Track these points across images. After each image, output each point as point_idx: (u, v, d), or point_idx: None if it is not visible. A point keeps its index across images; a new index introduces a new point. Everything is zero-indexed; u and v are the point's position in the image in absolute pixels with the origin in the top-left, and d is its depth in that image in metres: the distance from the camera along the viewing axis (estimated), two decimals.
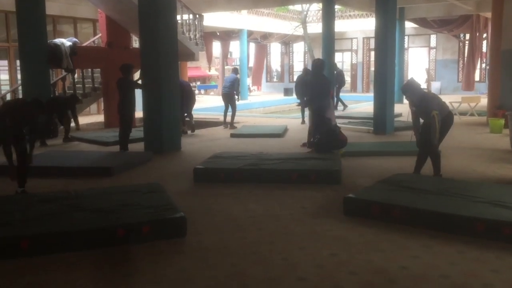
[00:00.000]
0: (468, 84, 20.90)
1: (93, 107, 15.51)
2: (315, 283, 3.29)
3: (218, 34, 24.40)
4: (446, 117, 6.01)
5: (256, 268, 3.54)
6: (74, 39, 11.99)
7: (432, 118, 5.78)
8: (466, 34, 22.97)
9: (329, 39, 14.57)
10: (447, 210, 4.33)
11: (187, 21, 13.39)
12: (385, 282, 3.27)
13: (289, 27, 23.98)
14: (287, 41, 27.93)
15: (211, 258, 3.75)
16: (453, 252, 3.78)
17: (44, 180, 5.87)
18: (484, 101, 14.09)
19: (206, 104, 19.45)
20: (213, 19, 19.49)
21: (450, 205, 4.45)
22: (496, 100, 11.36)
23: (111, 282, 3.35)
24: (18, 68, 11.99)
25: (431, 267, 3.51)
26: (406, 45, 23.23)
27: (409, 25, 22.18)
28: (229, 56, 28.23)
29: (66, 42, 11.31)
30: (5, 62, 14.15)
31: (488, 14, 14.63)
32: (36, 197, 5.01)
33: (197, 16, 13.69)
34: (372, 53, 18.60)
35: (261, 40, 26.24)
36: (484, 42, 21.87)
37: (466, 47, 22.79)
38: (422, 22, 21.79)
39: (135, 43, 13.88)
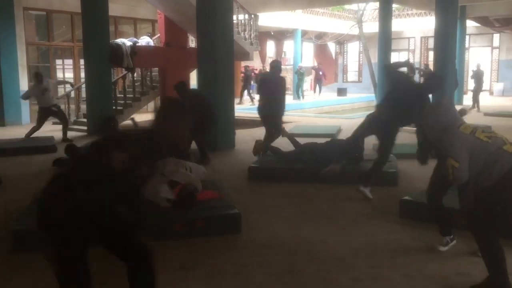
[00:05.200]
0: None
1: (151, 105, 15.98)
2: (370, 284, 3.27)
3: (272, 33, 24.50)
4: None
5: (308, 266, 3.56)
6: (134, 39, 12.42)
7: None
8: None
9: (385, 39, 14.32)
10: None
11: (243, 21, 13.54)
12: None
13: (344, 27, 23.71)
14: (341, 41, 27.63)
15: (266, 255, 3.80)
16: None
17: None
18: None
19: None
20: (267, 18, 19.59)
21: None
22: None
23: (167, 275, 3.47)
24: (82, 66, 12.59)
25: None
26: (467, 45, 22.40)
27: (470, 24, 21.37)
28: (283, 55, 28.24)
29: (127, 42, 11.74)
30: (70, 61, 14.87)
31: None
32: None
33: (252, 16, 13.81)
34: (430, 53, 18.11)
35: (316, 39, 26.09)
36: None
37: None
38: (484, 21, 20.94)
39: (192, 43, 14.19)
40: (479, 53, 24.97)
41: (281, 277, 3.40)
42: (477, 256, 3.43)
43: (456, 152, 3.05)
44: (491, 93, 23.12)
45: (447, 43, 10.23)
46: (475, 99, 15.68)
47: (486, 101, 17.87)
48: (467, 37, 21.17)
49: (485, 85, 23.99)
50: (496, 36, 23.73)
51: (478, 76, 15.95)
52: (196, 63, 8.99)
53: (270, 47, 27.12)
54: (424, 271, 3.46)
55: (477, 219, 3.06)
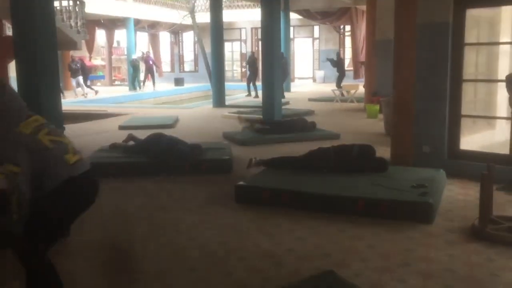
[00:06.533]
0: (357, 73, 22.11)
1: None
2: (205, 272, 3.32)
3: (102, 22, 23.28)
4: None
5: (146, 262, 3.49)
6: None
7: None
8: (347, 26, 24.42)
9: (217, 29, 14.61)
10: (331, 191, 4.61)
11: (67, 8, 12.61)
12: (272, 265, 3.40)
13: (177, 16, 23.62)
14: (176, 30, 27.52)
15: (98, 257, 3.61)
16: (334, 231, 4.03)
17: None
18: (362, 88, 15.10)
19: (93, 95, 18.56)
20: (96, 6, 18.55)
21: (333, 187, 4.73)
22: (372, 87, 12.25)
23: None
24: None
25: (315, 247, 3.71)
26: (291, 35, 24.09)
27: (294, 17, 23.01)
28: (115, 45, 27.07)
29: None
30: None
31: (364, 7, 15.66)
32: None
33: (78, 2, 12.95)
34: (261, 43, 19.05)
35: (149, 29, 25.54)
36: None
37: (347, 38, 24.22)
38: (306, 13, 22.73)
39: (9, 30, 12.77)
40: (302, 44, 27.09)
41: (113, 277, 3.26)
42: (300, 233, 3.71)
43: (13, 156, 2.38)
44: (314, 80, 25.34)
45: (272, 33, 10.83)
46: (338, 86, 16.67)
47: (310, 87, 19.51)
48: (291, 28, 22.74)
49: (308, 73, 26.32)
50: (316, 28, 25.97)
51: (339, 64, 17.32)
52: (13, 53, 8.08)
53: (101, 36, 25.81)
54: (258, 251, 3.64)
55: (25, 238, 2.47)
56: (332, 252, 3.61)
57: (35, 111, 7.22)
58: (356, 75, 21.89)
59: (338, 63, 17.85)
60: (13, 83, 8.23)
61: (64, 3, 12.49)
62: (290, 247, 3.71)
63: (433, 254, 3.54)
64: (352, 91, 14.59)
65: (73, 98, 17.61)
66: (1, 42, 11.18)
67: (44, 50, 7.93)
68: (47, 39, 7.97)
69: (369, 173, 5.17)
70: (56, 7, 9.79)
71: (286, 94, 16.51)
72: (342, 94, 14.95)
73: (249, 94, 17.69)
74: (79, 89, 18.46)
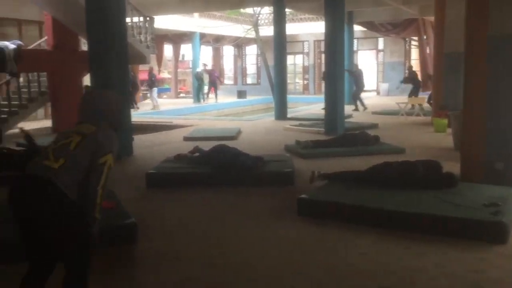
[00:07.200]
0: (426, 85, 21.37)
1: (40, 111, 15.01)
2: (266, 284, 3.33)
3: (169, 36, 24.14)
4: None
5: (207, 272, 3.54)
6: (18, 42, 11.54)
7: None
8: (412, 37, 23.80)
9: (280, 42, 14.72)
10: (395, 207, 4.48)
11: (138, 24, 13.19)
12: (333, 281, 3.35)
13: (241, 30, 24.05)
14: (240, 44, 28.02)
15: (162, 265, 3.72)
16: (399, 248, 3.91)
17: None
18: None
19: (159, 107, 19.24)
20: (164, 21, 19.28)
21: (398, 202, 4.60)
22: (440, 101, 11.82)
23: None
24: None
25: (378, 264, 3.62)
26: (355, 48, 23.80)
27: (358, 29, 22.75)
28: (181, 59, 27.93)
29: (9, 45, 10.87)
30: None
31: (432, 18, 15.19)
32: None
33: (148, 18, 13.51)
34: (323, 55, 18.98)
35: (214, 43, 26.17)
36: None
37: (413, 50, 23.58)
38: (370, 25, 22.39)
39: (84, 45, 13.53)
40: (366, 56, 26.67)
41: (178, 286, 3.34)
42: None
43: None
44: (378, 92, 24.84)
45: (336, 46, 10.78)
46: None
47: (374, 100, 19.11)
48: (355, 40, 22.48)
49: (372, 86, 25.84)
50: (381, 40, 25.51)
51: (413, 79, 16.94)
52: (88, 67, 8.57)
53: (168, 50, 26.74)
54: (319, 265, 3.60)
55: None
56: (396, 269, 3.50)
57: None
58: (425, 88, 21.15)
59: (410, 78, 17.39)
60: None
61: (135, 19, 13.06)
62: (352, 262, 3.64)
63: (507, 277, 3.35)
64: (419, 104, 14.16)
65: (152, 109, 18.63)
66: (77, 57, 11.88)
67: (117, 64, 8.34)
68: (119, 54, 8.39)
69: (436, 189, 4.98)
70: (127, 23, 10.26)
71: (348, 107, 16.22)
72: (413, 106, 14.51)
73: (357, 109, 16.91)
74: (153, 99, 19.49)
